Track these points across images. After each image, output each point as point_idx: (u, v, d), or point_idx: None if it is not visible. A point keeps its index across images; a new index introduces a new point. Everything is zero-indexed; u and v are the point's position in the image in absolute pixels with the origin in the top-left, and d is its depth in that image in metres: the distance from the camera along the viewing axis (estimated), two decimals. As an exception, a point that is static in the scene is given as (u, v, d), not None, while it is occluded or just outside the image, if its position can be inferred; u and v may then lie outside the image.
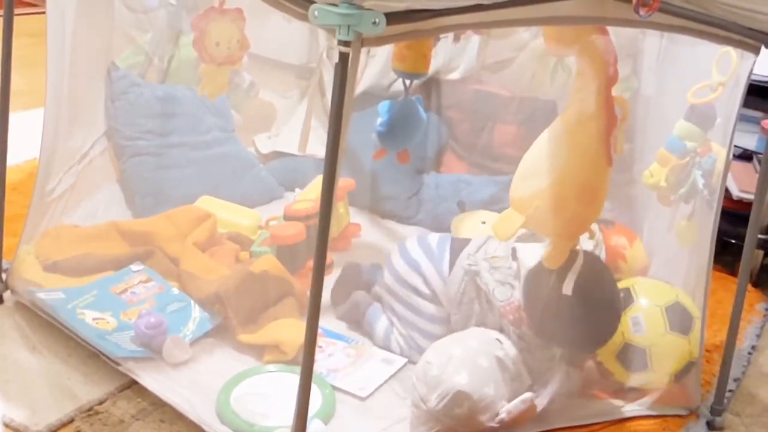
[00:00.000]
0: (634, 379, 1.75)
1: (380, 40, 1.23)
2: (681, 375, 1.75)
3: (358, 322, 1.92)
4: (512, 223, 1.61)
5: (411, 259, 1.84)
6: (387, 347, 1.85)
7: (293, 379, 1.38)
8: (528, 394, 1.62)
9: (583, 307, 1.62)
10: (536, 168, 1.60)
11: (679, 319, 1.73)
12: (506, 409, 1.59)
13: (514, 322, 1.69)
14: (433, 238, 1.89)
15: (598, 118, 1.53)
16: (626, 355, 1.73)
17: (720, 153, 1.71)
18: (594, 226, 1.67)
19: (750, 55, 1.60)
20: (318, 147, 2.61)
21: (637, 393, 1.76)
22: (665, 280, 1.86)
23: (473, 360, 1.60)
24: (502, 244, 1.77)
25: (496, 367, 1.61)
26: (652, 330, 1.72)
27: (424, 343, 1.78)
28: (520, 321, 1.68)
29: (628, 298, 1.77)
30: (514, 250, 1.74)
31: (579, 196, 1.56)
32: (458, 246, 1.84)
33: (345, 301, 1.94)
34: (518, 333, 1.68)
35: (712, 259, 1.72)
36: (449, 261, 1.81)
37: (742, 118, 1.68)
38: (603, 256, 1.96)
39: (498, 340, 1.67)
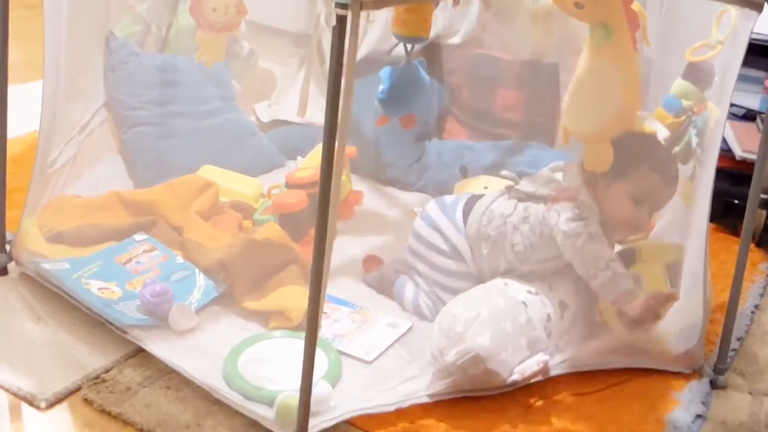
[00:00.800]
0: (637, 338, 1.76)
1: (378, 3, 1.23)
2: (685, 334, 1.75)
3: (384, 291, 1.93)
4: (605, 152, 1.69)
5: (429, 218, 1.87)
6: (418, 312, 1.85)
7: (299, 345, 1.39)
8: (541, 356, 1.64)
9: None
10: (596, 102, 1.70)
11: (680, 276, 1.73)
12: (519, 369, 1.62)
13: (570, 197, 1.73)
14: (450, 197, 1.93)
15: (624, 32, 1.60)
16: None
17: (713, 111, 1.71)
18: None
19: (752, 14, 1.58)
20: (318, 114, 2.59)
21: (641, 353, 1.77)
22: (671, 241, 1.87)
23: (498, 323, 1.62)
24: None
25: (517, 333, 1.63)
26: (651, 287, 1.72)
27: (448, 298, 1.79)
28: (576, 194, 1.73)
29: (631, 256, 1.78)
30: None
31: (635, 96, 1.69)
32: (473, 199, 1.86)
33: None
34: (574, 211, 1.71)
35: (709, 218, 1.72)
36: (463, 210, 1.84)
37: (745, 78, 1.68)
38: None
39: (524, 303, 1.67)
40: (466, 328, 1.59)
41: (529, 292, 1.70)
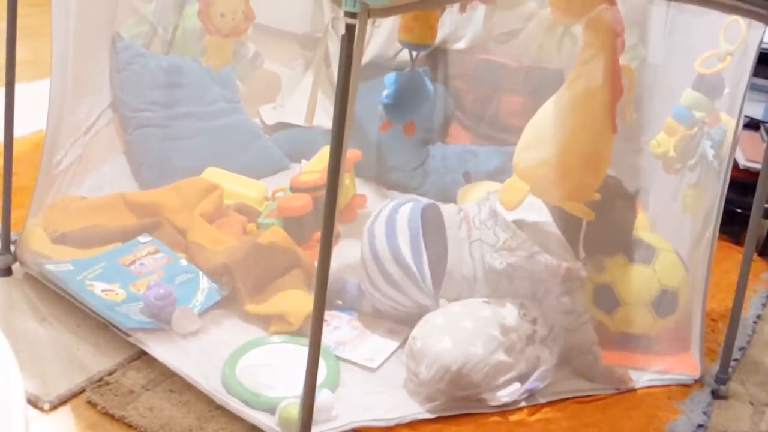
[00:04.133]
0: (616, 322, 1.79)
1: (387, 11, 1.23)
2: (660, 307, 1.78)
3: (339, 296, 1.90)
4: (518, 192, 1.62)
5: (386, 272, 1.74)
6: (376, 312, 1.84)
7: (298, 350, 1.40)
8: (527, 387, 1.64)
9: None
10: (541, 137, 1.62)
11: (639, 252, 1.79)
12: (508, 393, 1.62)
13: (566, 275, 1.69)
14: (402, 221, 1.77)
15: (605, 89, 1.54)
16: (598, 297, 1.79)
17: (729, 123, 1.71)
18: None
19: (759, 25, 1.59)
20: (323, 118, 2.60)
21: (642, 347, 1.79)
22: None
23: (455, 324, 1.63)
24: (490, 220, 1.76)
25: (482, 325, 1.63)
26: (612, 266, 1.78)
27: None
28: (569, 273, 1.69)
29: (613, 300, 1.80)
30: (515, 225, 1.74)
31: (584, 164, 1.61)
32: (436, 250, 1.74)
33: None
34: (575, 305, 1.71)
35: (718, 228, 1.72)
36: (428, 265, 1.72)
37: (749, 87, 1.67)
38: None
39: (485, 302, 1.68)
40: (424, 342, 1.61)
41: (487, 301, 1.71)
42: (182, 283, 1.83)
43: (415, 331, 1.66)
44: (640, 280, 1.77)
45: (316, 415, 1.42)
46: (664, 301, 1.78)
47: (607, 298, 1.79)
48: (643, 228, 2.12)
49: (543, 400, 1.67)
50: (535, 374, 1.66)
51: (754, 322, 2.03)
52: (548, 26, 2.36)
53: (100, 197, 2.07)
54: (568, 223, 1.72)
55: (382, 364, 1.71)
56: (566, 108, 1.59)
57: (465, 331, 1.62)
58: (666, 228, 2.11)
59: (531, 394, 1.66)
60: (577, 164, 1.60)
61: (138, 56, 2.33)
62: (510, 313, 1.67)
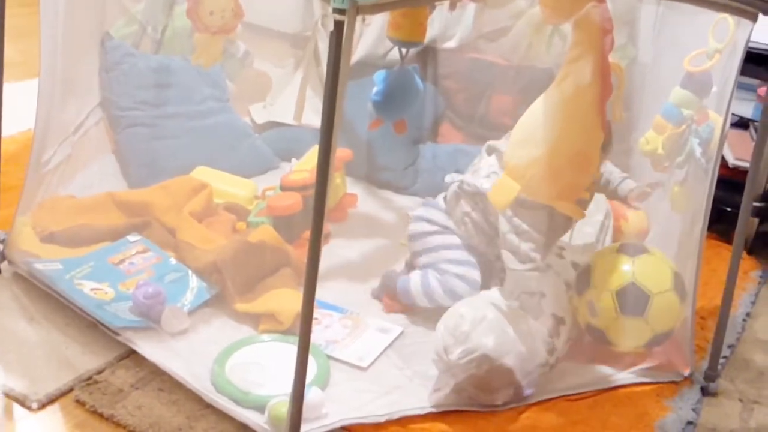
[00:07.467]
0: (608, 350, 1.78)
1: (376, 8, 1.23)
2: (653, 345, 1.76)
3: (393, 297, 1.90)
4: (509, 191, 1.63)
5: (421, 216, 1.92)
6: (431, 298, 1.82)
7: (288, 349, 1.39)
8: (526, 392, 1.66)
9: None
10: (531, 136, 1.62)
11: (632, 301, 1.70)
12: (501, 397, 1.63)
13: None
14: (432, 200, 1.97)
15: (594, 87, 1.54)
16: (591, 332, 1.77)
17: (717, 121, 1.71)
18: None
19: (747, 23, 1.59)
20: (313, 117, 2.60)
21: (630, 358, 1.78)
22: (659, 247, 1.87)
23: (503, 327, 1.62)
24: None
25: (518, 340, 1.63)
26: (603, 314, 1.72)
27: (458, 270, 1.80)
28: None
29: (586, 280, 1.75)
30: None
31: (573, 163, 1.60)
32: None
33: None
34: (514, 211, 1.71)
35: (707, 227, 1.73)
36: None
37: (738, 86, 1.68)
38: (610, 220, 2.10)
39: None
40: (473, 328, 1.60)
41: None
42: (171, 281, 1.83)
43: (465, 310, 1.64)
44: (631, 331, 1.73)
45: (305, 413, 1.42)
46: (658, 341, 1.75)
47: (599, 338, 1.76)
48: (639, 224, 2.13)
49: (533, 399, 1.67)
50: (526, 380, 1.66)
51: (743, 320, 2.04)
52: (537, 24, 2.37)
53: (89, 196, 2.07)
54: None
55: (372, 363, 1.71)
56: (556, 106, 1.59)
57: (508, 338, 1.61)
58: (655, 226, 2.12)
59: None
60: (567, 163, 1.60)
61: (127, 56, 2.33)
62: (543, 342, 1.67)
